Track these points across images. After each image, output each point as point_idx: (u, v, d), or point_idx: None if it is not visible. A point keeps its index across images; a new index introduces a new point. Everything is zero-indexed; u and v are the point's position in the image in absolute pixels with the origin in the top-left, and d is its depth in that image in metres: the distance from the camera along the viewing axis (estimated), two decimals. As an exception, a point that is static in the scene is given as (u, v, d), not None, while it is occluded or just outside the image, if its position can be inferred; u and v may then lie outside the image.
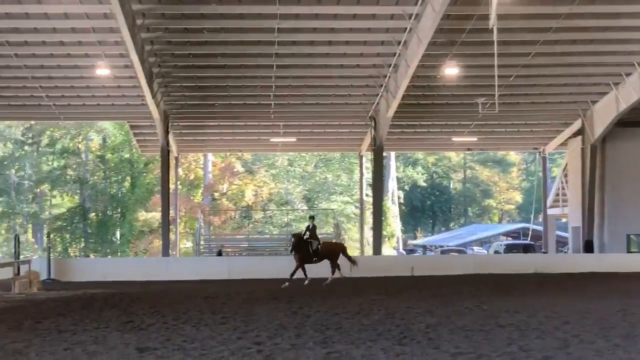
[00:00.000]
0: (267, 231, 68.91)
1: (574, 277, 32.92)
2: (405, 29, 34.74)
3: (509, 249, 53.56)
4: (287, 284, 29.54)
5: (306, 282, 30.27)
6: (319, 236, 32.62)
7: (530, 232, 66.56)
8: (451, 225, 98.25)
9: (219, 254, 43.56)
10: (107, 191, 76.09)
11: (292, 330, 15.77)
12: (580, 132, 45.62)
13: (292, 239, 31.49)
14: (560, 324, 16.94)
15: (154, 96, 38.72)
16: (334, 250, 31.82)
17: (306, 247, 30.96)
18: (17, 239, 33.03)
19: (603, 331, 15.72)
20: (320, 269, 31.36)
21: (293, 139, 49.46)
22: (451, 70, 37.73)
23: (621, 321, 17.82)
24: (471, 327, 16.25)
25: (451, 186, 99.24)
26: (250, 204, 71.73)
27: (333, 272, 31.04)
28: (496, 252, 54.29)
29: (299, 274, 30.89)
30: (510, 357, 12.68)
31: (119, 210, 76.18)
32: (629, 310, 20.12)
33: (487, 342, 14.26)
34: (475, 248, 70.19)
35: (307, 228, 31.39)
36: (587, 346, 13.77)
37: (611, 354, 12.96)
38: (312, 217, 32.41)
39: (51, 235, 48.44)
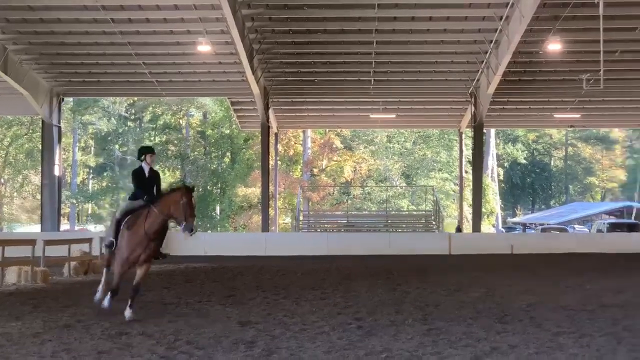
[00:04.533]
0: (365, 207, 68.95)
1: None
2: (508, 4, 34.26)
3: (613, 227, 52.44)
4: None
5: None
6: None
7: (635, 211, 65.13)
8: (552, 203, 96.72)
9: None
10: (207, 166, 77.14)
11: (391, 307, 15.80)
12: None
13: None
14: (666, 305, 16.59)
15: (254, 72, 39.04)
16: None
17: None
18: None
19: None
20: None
21: (392, 116, 49.26)
22: (554, 46, 36.99)
23: None
24: (573, 307, 16.03)
25: (552, 163, 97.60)
26: (349, 180, 71.82)
27: None
28: (599, 230, 53.26)
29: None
30: (614, 337, 12.47)
31: (219, 185, 77.20)
32: None
33: (590, 321, 14.05)
34: (577, 226, 69.01)
35: None
36: (696, 328, 13.47)
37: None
38: None
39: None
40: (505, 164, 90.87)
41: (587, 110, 48.01)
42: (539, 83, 43.14)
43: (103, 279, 15.26)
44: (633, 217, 66.35)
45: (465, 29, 37.57)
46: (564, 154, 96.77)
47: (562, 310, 15.54)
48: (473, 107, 43.43)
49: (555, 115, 49.13)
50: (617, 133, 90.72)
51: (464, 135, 51.61)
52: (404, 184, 73.66)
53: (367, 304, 16.15)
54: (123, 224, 14.14)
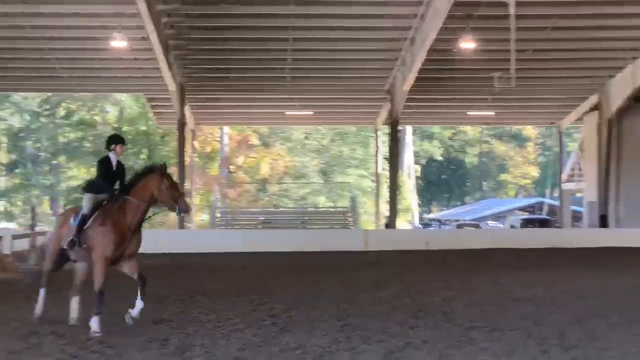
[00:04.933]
0: (282, 204, 69.01)
1: (590, 252, 32.85)
2: (422, 2, 34.60)
3: (526, 223, 53.44)
4: None
5: None
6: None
7: (546, 207, 66.37)
8: (467, 199, 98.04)
9: None
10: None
11: (306, 304, 15.85)
12: (596, 107, 45.38)
13: None
14: (575, 299, 16.99)
15: (170, 68, 38.71)
16: None
17: None
18: (33, 210, 33.21)
19: (618, 306, 15.76)
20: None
21: (309, 112, 49.38)
22: (468, 44, 37.53)
23: (636, 296, 17.85)
24: (486, 302, 16.31)
25: (467, 160, 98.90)
26: (266, 177, 71.77)
27: None
28: (512, 226, 54.21)
29: None
30: (525, 331, 12.74)
31: (136, 182, 76.22)
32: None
33: (502, 316, 14.32)
34: (491, 222, 70.07)
35: None
36: (601, 321, 13.82)
37: (625, 329, 12.99)
38: None
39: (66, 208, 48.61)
40: (422, 161, 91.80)
41: (501, 108, 48.83)
42: (454, 81, 43.68)
43: (42, 293, 13.60)
44: (545, 213, 67.65)
45: (381, 26, 37.82)
46: (479, 151, 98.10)
47: (475, 305, 15.80)
48: (389, 104, 43.72)
49: (469, 113, 49.84)
50: (530, 131, 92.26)
51: (380, 132, 51.95)
52: (321, 181, 73.92)
53: (282, 301, 16.17)
54: (92, 220, 12.87)
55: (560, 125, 52.58)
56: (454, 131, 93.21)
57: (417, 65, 38.22)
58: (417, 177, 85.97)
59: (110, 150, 13.58)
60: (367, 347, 11.31)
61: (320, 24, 37.49)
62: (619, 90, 42.58)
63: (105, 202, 13.07)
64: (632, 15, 36.77)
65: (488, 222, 69.50)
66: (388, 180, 46.14)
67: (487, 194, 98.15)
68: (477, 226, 57.52)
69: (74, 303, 13.49)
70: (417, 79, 40.04)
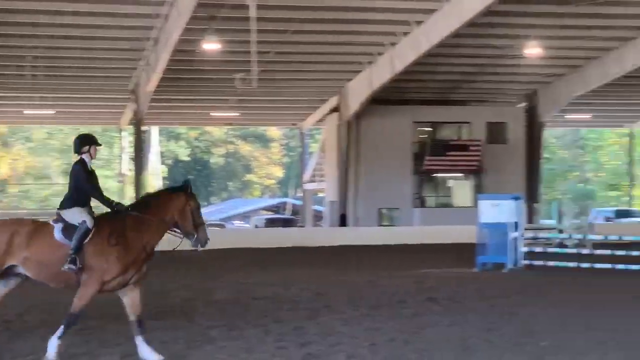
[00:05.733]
0: (22, 206, 66.62)
1: (330, 250, 33.89)
2: (165, 1, 34.39)
3: (269, 223, 54.42)
4: None
5: None
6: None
7: (290, 207, 67.79)
8: (213, 199, 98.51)
9: None
10: None
11: (42, 307, 15.40)
12: (336, 108, 46.78)
13: None
14: (313, 295, 17.54)
15: None
16: None
17: None
18: None
19: (353, 301, 16.41)
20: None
21: (50, 112, 47.94)
22: (211, 45, 37.68)
23: (370, 291, 18.66)
24: (226, 301, 16.51)
25: (213, 161, 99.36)
26: (6, 178, 69.04)
27: None
28: (256, 226, 55.03)
29: None
30: (263, 329, 13.00)
31: None
32: (377, 281, 21.07)
33: (241, 315, 14.54)
34: (237, 222, 70.74)
35: None
36: (337, 316, 14.36)
37: (358, 323, 13.56)
38: None
39: None
40: (168, 161, 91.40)
41: (244, 108, 49.39)
42: (198, 81, 43.78)
43: None
44: (289, 213, 69.06)
45: (124, 25, 37.26)
46: (224, 151, 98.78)
47: (215, 304, 15.97)
48: (134, 104, 43.19)
49: (213, 114, 50.15)
50: (274, 132, 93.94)
51: (125, 133, 51.28)
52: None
53: (15, 306, 15.62)
54: (93, 235, 10.57)
55: (302, 127, 53.91)
56: (200, 132, 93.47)
57: (162, 65, 38.01)
58: (163, 178, 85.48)
59: (82, 154, 11.32)
60: (105, 350, 11.19)
61: (64, 21, 36.34)
62: (357, 93, 44.09)
63: (112, 215, 10.91)
64: (369, 22, 38.18)
65: (234, 222, 70.16)
66: (134, 181, 45.60)
67: (233, 194, 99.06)
68: (222, 226, 57.89)
69: None
70: (162, 79, 39.83)
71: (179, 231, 11.14)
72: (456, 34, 36.06)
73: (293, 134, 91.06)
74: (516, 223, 24.79)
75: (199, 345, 11.63)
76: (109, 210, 10.99)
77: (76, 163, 11.26)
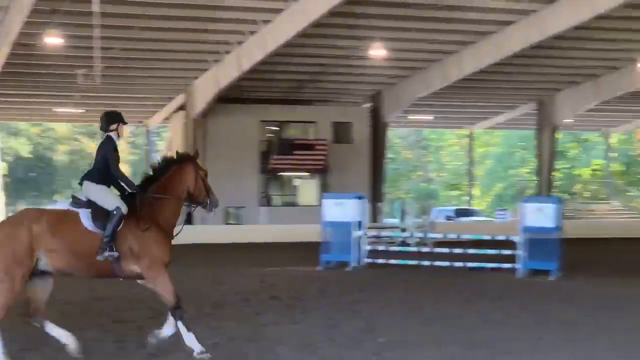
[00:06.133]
0: None
1: (175, 248, 33.42)
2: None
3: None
4: None
5: None
6: None
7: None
8: (56, 197, 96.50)
9: None
10: None
11: None
12: (183, 107, 46.44)
13: None
14: (152, 294, 17.34)
15: None
16: None
17: None
18: None
19: (197, 299, 16.39)
20: None
21: None
22: (53, 40, 36.71)
23: (215, 289, 18.70)
24: (69, 301, 16.18)
25: (57, 158, 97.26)
26: None
27: None
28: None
29: None
30: (102, 329, 12.82)
31: None
32: (222, 279, 21.13)
33: (82, 315, 14.32)
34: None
35: None
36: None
37: (201, 322, 13.55)
38: None
39: None
40: (8, 158, 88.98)
41: (89, 105, 48.49)
42: (40, 76, 42.56)
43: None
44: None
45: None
46: (69, 148, 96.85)
47: (56, 305, 15.59)
48: (-29, 99, 41.86)
49: (54, 110, 49.04)
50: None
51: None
52: None
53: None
54: (127, 220, 10.44)
55: (148, 125, 53.30)
56: (42, 128, 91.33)
57: (1, 60, 36.87)
58: (4, 175, 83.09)
59: (109, 131, 10.89)
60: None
61: None
62: (204, 91, 43.84)
63: (133, 196, 10.70)
64: (217, 20, 37.96)
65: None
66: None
67: (77, 191, 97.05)
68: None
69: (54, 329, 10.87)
70: (3, 74, 38.65)
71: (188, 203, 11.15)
72: (303, 34, 36.36)
73: (139, 132, 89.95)
74: (360, 222, 25.27)
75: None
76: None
77: (105, 140, 10.86)
